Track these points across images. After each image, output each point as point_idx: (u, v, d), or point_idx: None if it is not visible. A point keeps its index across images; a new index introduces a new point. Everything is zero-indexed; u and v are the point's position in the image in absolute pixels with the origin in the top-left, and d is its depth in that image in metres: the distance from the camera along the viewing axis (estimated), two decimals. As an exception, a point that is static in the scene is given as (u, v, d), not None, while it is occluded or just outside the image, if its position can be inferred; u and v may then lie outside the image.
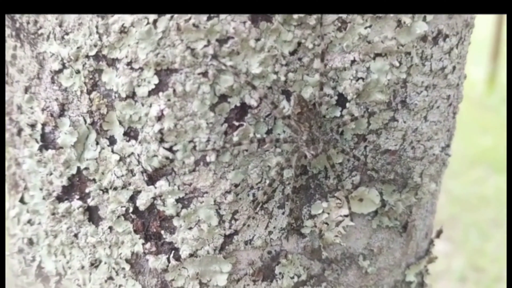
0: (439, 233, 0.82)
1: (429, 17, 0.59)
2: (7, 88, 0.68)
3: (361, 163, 0.62)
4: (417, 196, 0.70)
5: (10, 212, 0.73)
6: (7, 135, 0.72)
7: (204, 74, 0.55)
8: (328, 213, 0.65)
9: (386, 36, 0.58)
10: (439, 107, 0.67)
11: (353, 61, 0.58)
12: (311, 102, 0.59)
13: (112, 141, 0.60)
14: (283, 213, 0.64)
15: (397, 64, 0.60)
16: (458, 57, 0.66)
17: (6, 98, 0.68)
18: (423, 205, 0.73)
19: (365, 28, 0.57)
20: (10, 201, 0.75)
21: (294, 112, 0.57)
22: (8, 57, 0.64)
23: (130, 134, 0.58)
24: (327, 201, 0.65)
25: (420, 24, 0.59)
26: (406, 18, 0.58)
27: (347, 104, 0.60)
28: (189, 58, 0.54)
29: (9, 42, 0.63)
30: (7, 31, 0.63)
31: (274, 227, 0.64)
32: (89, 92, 0.58)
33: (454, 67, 0.65)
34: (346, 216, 0.66)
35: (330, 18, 0.56)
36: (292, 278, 0.67)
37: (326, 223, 0.66)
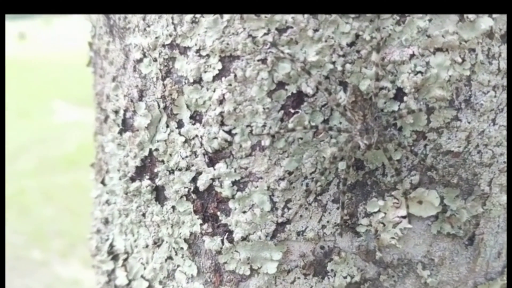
0: (516, 257, 0.76)
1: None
2: (100, 80, 0.77)
3: (419, 160, 0.61)
4: (485, 206, 0.66)
5: (92, 193, 0.81)
6: (96, 123, 0.81)
7: (263, 61, 0.58)
8: (385, 213, 0.64)
9: (447, 30, 0.58)
10: (511, 111, 0.64)
11: (412, 55, 0.59)
12: (369, 95, 0.60)
13: (180, 124, 0.65)
14: (337, 208, 0.64)
15: (460, 60, 0.59)
16: (532, 59, 0.63)
17: (98, 89, 0.77)
18: (493, 219, 0.68)
19: (425, 21, 0.57)
20: (95, 185, 0.84)
21: (349, 101, 0.58)
22: (102, 52, 0.74)
23: (196, 117, 0.64)
24: (384, 199, 0.64)
25: (485, 20, 0.58)
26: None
27: (405, 98, 0.60)
28: (250, 46, 0.58)
29: (104, 39, 0.73)
30: (103, 29, 0.72)
31: (328, 221, 0.64)
32: (163, 79, 0.65)
33: (527, 69, 0.63)
34: (404, 217, 0.64)
35: (388, 11, 0.57)
36: (345, 278, 0.65)
37: (382, 223, 0.64)
